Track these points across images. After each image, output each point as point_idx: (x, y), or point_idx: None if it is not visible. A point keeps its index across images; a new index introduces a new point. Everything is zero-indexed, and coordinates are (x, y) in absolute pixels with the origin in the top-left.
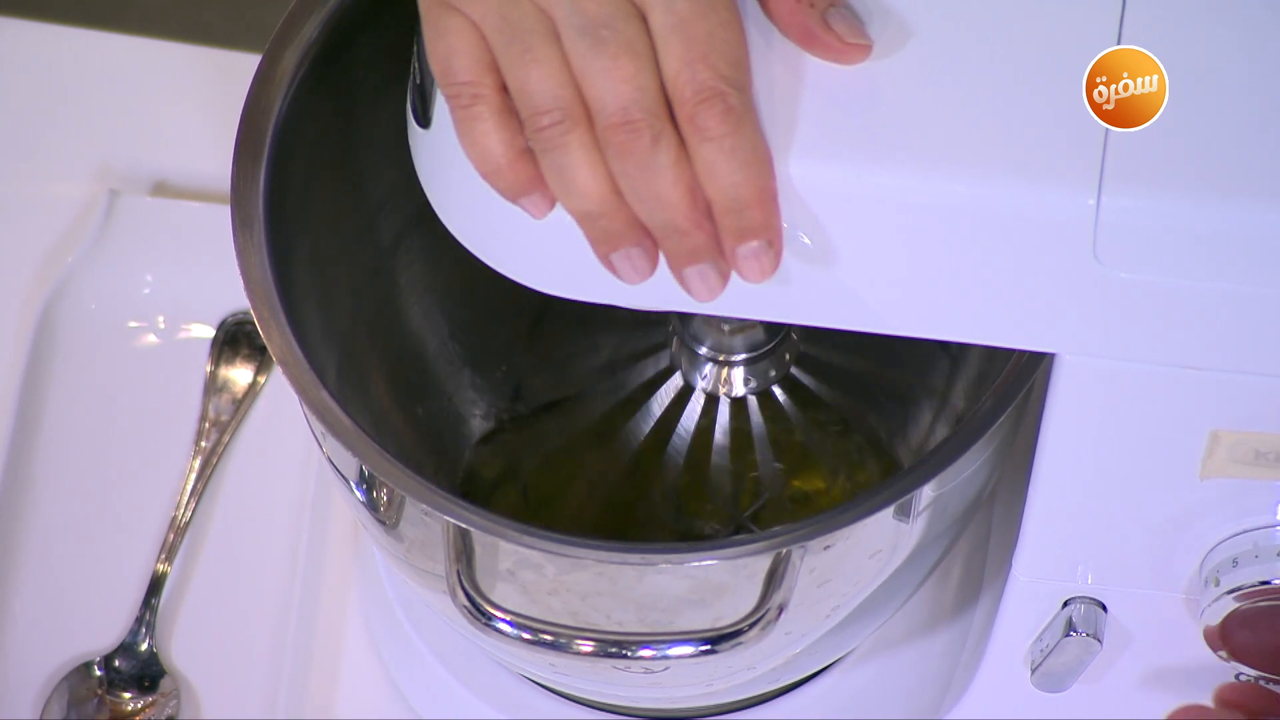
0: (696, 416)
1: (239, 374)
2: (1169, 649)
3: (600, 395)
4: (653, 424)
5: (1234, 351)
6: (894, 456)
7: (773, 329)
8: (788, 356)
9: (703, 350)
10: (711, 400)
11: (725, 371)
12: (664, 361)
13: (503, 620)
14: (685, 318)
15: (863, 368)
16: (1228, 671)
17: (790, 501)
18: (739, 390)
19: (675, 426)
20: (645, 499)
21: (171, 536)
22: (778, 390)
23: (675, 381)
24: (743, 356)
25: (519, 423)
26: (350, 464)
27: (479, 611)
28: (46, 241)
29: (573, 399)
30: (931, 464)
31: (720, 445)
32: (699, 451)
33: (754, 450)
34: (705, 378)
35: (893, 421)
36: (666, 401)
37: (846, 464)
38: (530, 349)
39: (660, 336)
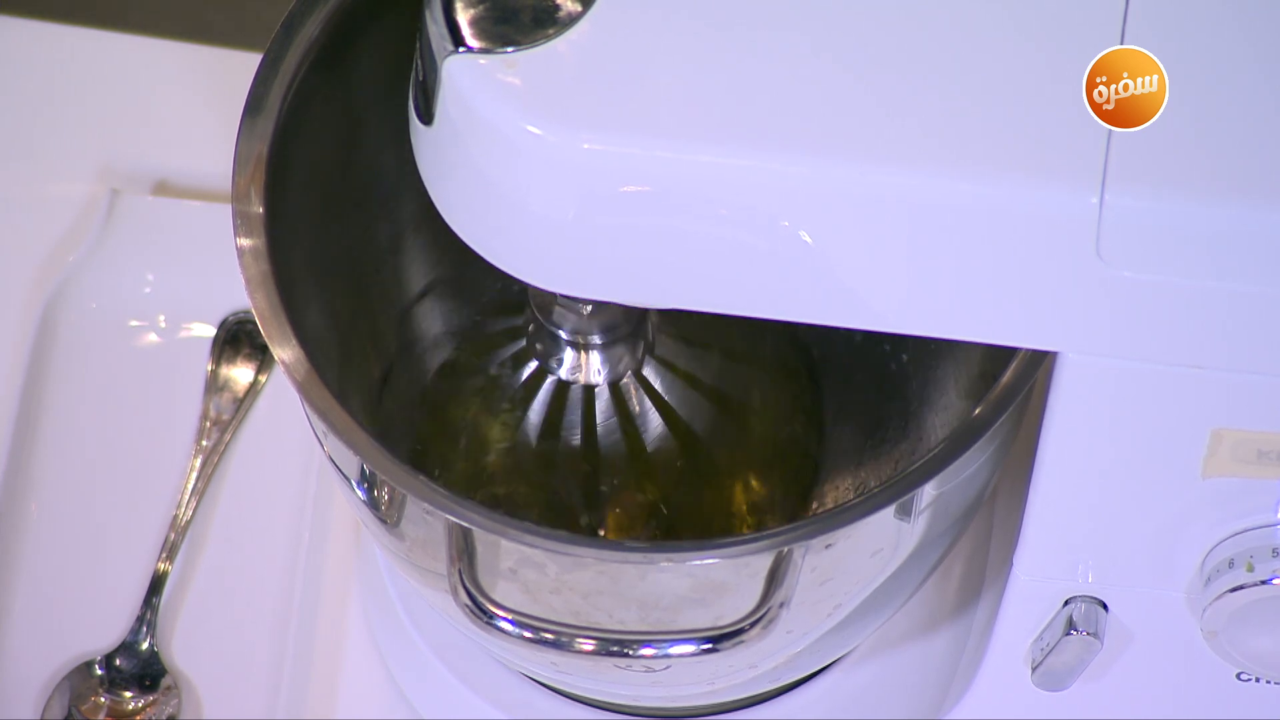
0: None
1: (240, 373)
2: (1170, 648)
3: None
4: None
5: (1237, 351)
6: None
7: (631, 313)
8: (643, 345)
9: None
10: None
11: (584, 356)
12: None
13: (504, 619)
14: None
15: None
16: (1229, 671)
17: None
18: (595, 378)
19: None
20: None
21: (172, 535)
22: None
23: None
24: (599, 340)
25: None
26: (352, 463)
27: (481, 610)
28: (48, 241)
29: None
30: (932, 463)
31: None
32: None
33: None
34: (562, 363)
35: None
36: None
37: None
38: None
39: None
